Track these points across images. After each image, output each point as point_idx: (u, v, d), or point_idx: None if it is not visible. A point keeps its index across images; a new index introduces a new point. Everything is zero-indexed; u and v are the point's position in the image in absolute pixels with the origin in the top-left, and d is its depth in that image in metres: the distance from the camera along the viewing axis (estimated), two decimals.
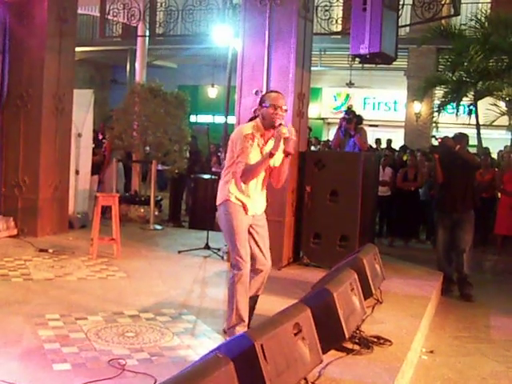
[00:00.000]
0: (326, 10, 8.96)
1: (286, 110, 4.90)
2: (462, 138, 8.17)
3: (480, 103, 15.71)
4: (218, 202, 5.03)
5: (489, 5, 18.71)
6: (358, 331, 5.14)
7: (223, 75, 18.94)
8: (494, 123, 16.05)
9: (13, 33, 8.88)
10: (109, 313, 5.61)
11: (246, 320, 4.88)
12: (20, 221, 8.92)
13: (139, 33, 14.97)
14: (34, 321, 5.25)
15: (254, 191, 4.93)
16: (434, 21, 10.00)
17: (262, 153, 4.84)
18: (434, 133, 17.77)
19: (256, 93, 7.53)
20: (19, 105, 8.91)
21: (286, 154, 4.78)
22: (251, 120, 5.02)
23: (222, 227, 5.06)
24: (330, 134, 22.42)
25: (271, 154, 4.70)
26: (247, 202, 4.90)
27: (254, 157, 4.79)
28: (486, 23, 15.44)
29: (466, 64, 15.06)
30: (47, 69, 8.86)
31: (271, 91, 5.21)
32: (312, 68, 8.63)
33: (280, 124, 4.72)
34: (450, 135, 8.41)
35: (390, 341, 5.17)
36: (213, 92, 24.10)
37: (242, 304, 4.87)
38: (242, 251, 4.86)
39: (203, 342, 5.05)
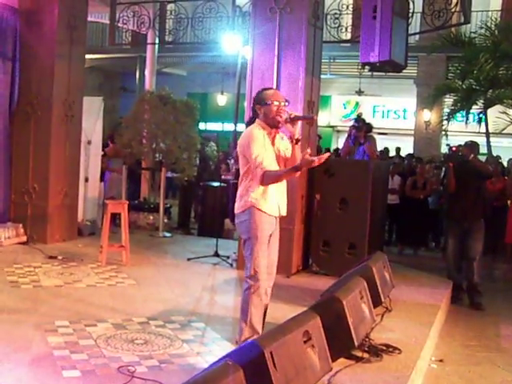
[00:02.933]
0: (336, 18, 8.98)
1: (287, 101, 4.85)
2: (473, 146, 8.14)
3: (490, 111, 15.69)
4: (238, 210, 4.86)
5: (499, 13, 18.69)
6: (367, 339, 5.11)
7: (232, 83, 19.06)
8: (504, 131, 16.02)
9: (23, 40, 8.94)
10: (118, 320, 5.61)
11: (260, 332, 4.81)
12: (29, 228, 8.94)
13: (149, 40, 15.03)
14: (43, 327, 5.26)
15: (273, 188, 4.82)
16: (443, 29, 9.99)
17: (274, 149, 4.84)
18: (447, 141, 17.76)
19: None
20: (29, 112, 8.95)
21: (296, 141, 4.76)
22: (250, 122, 4.99)
23: (242, 235, 4.93)
24: (339, 142, 22.42)
25: (296, 168, 4.63)
26: (271, 202, 4.79)
27: (269, 155, 4.77)
28: (496, 31, 15.42)
29: (475, 72, 15.03)
30: (57, 76, 8.90)
31: (265, 89, 5.06)
32: (321, 76, 8.63)
33: (286, 118, 4.73)
34: (461, 143, 8.40)
35: (399, 349, 5.15)
36: (222, 100, 24.17)
37: (256, 316, 4.81)
38: (261, 262, 4.77)
39: (212, 349, 5.04)
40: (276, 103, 4.77)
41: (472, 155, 7.98)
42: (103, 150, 11.48)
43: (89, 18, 10.30)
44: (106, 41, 19.50)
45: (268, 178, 4.68)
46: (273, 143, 4.86)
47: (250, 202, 4.76)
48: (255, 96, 4.96)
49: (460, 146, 8.32)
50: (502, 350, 6.41)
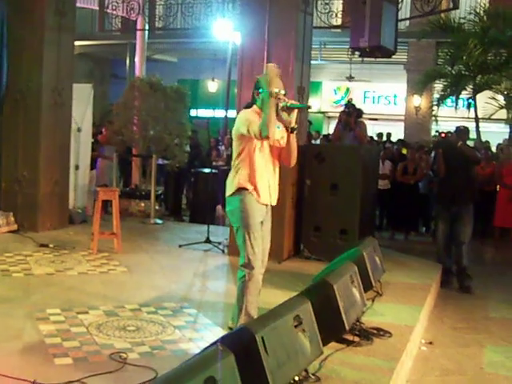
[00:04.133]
0: (326, 4, 8.99)
1: (284, 95, 4.74)
2: (462, 133, 8.18)
3: (479, 97, 15.73)
4: (228, 193, 4.84)
5: None
6: (358, 323, 5.16)
7: (223, 69, 19.03)
8: (493, 117, 16.07)
9: (11, 27, 8.84)
10: (110, 307, 5.62)
11: None
12: (20, 216, 8.89)
13: (138, 26, 14.97)
14: (35, 316, 5.27)
15: (265, 173, 4.79)
16: (433, 14, 10.03)
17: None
18: (436, 127, 17.83)
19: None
20: (18, 99, 8.88)
21: (292, 130, 4.71)
22: (247, 106, 4.97)
23: (233, 223, 4.90)
24: (330, 128, 22.43)
25: (292, 129, 4.69)
26: (260, 186, 4.75)
27: (259, 144, 4.75)
28: (485, 17, 15.47)
29: (465, 58, 15.09)
30: (46, 63, 8.82)
31: (266, 74, 4.94)
32: (312, 62, 8.63)
33: (283, 106, 4.69)
34: (450, 129, 8.45)
35: (389, 332, 5.21)
36: (213, 86, 24.08)
37: (252, 304, 4.82)
38: (255, 249, 4.76)
39: (204, 335, 5.07)
40: (276, 90, 4.70)
41: (460, 142, 8.03)
42: (95, 137, 11.44)
43: (78, 4, 10.22)
44: (95, 27, 19.36)
45: (263, 126, 4.51)
46: None
47: (238, 183, 4.75)
48: (255, 82, 4.90)
49: (449, 132, 8.37)
50: (490, 332, 6.47)
